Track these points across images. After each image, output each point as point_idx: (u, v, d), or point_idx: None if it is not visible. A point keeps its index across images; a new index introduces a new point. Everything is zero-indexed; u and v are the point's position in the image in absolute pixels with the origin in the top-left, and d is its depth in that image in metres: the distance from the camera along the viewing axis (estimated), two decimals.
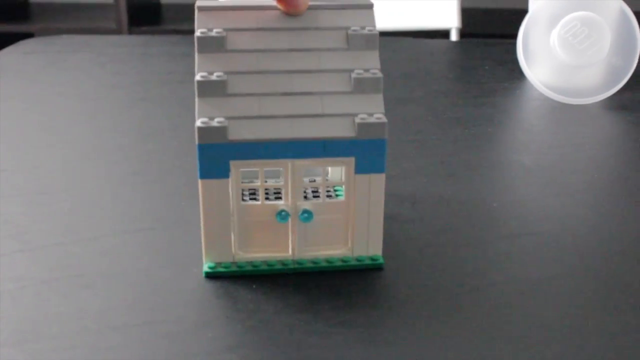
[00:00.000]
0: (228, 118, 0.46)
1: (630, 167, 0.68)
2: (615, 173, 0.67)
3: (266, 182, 0.51)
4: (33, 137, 0.73)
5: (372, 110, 0.47)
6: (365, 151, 0.47)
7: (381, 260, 0.49)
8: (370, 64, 0.48)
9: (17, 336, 0.42)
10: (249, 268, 0.49)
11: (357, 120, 0.46)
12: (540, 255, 0.51)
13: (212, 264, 0.49)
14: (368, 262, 0.49)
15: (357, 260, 0.49)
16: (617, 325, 0.44)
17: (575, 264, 0.50)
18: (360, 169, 0.47)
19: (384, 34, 1.33)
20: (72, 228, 0.55)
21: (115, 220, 0.56)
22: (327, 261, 0.49)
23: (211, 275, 0.48)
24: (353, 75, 0.47)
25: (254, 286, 0.47)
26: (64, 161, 0.67)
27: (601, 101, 0.84)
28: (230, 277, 0.48)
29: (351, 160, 0.47)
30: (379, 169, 0.47)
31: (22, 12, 2.46)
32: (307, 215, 0.48)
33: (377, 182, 0.48)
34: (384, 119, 0.47)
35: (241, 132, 0.46)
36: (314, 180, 0.55)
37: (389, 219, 0.56)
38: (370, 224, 0.49)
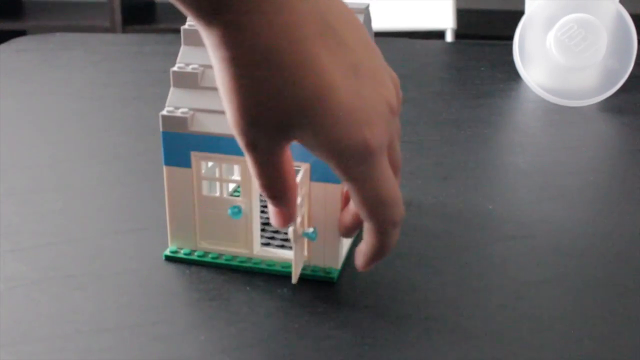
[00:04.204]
0: (194, 110, 0.47)
1: (626, 170, 0.67)
2: (611, 175, 0.67)
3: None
4: (25, 135, 0.72)
5: None
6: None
7: (334, 275, 0.48)
8: None
9: (7, 338, 0.42)
10: (208, 259, 0.49)
11: None
12: (535, 258, 0.51)
13: (174, 249, 0.50)
14: (321, 274, 0.48)
15: (312, 270, 0.48)
16: (612, 327, 0.44)
17: (570, 267, 0.50)
18: (315, 176, 0.46)
19: (379, 34, 1.33)
20: (64, 228, 0.54)
21: (108, 220, 0.55)
22: (283, 266, 0.48)
23: (170, 259, 0.49)
24: None
25: (247, 288, 0.47)
26: (56, 160, 0.66)
27: (597, 103, 0.83)
28: (225, 279, 0.48)
29: (308, 166, 0.46)
30: (335, 179, 0.45)
31: (15, 10, 2.45)
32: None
33: (333, 193, 0.46)
34: None
35: (203, 125, 0.46)
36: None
37: None
38: (327, 235, 0.47)
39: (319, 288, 0.47)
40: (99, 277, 0.48)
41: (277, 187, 0.41)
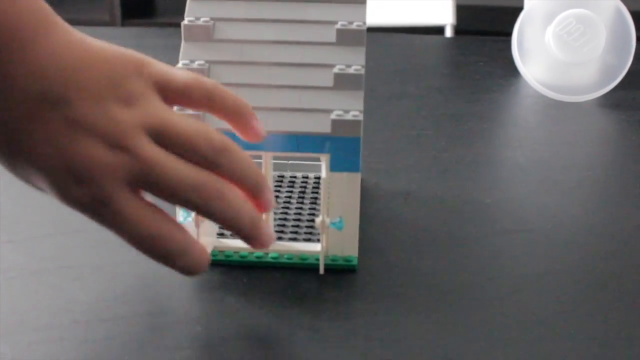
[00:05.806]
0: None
1: (623, 165, 0.67)
2: (608, 171, 0.67)
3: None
4: None
5: (351, 107, 0.46)
6: (339, 148, 0.46)
7: (355, 262, 0.48)
8: (354, 60, 0.47)
9: (4, 328, 0.42)
10: (221, 257, 0.49)
11: (332, 116, 0.45)
12: (532, 252, 0.51)
13: None
14: (341, 262, 0.48)
15: (331, 260, 0.48)
16: (608, 322, 0.44)
17: (567, 261, 0.50)
18: (335, 166, 0.46)
19: (379, 29, 1.33)
20: (62, 219, 0.54)
21: None
22: (301, 258, 0.48)
23: None
24: (334, 70, 0.47)
25: (244, 280, 0.47)
26: None
27: (595, 99, 0.84)
28: (222, 271, 0.48)
29: (328, 156, 0.46)
30: (354, 168, 0.46)
31: None
32: None
33: (352, 181, 0.46)
34: (360, 117, 0.45)
35: (216, 120, 0.46)
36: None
37: (381, 214, 0.56)
38: (347, 224, 0.47)
39: (315, 280, 0.47)
40: (97, 268, 0.48)
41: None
